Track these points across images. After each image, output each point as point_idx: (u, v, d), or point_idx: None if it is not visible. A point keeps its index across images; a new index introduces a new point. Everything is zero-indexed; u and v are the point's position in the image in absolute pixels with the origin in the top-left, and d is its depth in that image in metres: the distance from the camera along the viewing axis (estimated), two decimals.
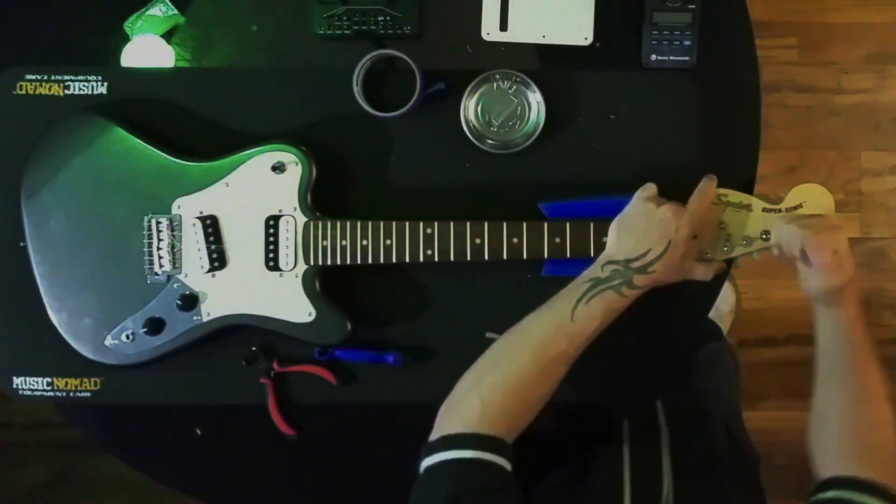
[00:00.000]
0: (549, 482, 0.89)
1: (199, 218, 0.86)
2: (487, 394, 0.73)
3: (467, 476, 0.69)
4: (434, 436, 0.73)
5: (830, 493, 0.71)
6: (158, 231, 0.86)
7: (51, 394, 0.91)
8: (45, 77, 0.90)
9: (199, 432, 0.93)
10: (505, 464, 0.70)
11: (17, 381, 0.91)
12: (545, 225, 0.85)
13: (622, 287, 0.78)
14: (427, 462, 0.71)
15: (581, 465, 0.89)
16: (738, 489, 0.88)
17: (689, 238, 0.80)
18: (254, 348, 0.91)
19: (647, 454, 0.87)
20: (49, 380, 0.91)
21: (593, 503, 0.85)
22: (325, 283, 0.87)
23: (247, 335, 0.89)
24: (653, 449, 0.88)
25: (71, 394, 0.91)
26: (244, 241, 0.86)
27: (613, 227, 0.82)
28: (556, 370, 0.76)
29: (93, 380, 0.91)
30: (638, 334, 0.91)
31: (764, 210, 0.85)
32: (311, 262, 0.85)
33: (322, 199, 0.88)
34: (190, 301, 0.85)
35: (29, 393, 0.91)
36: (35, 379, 0.91)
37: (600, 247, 0.83)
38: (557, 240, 0.85)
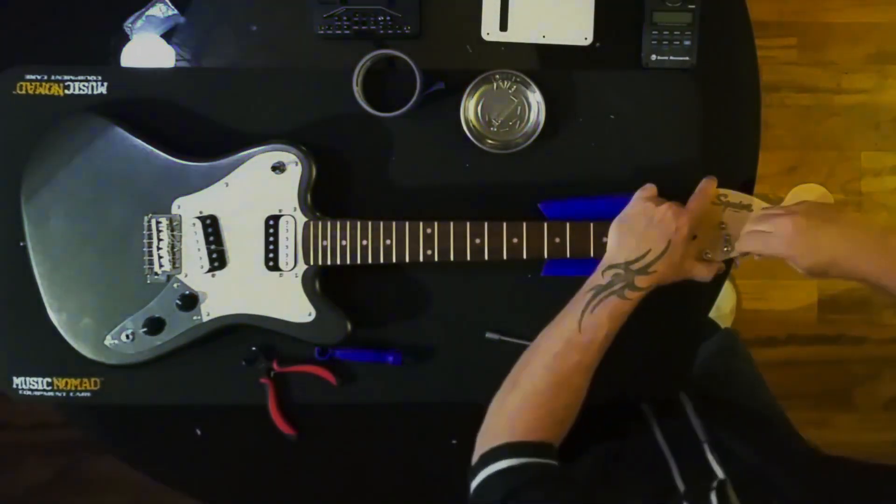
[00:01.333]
0: (586, 465, 0.88)
1: (198, 218, 0.86)
2: (514, 412, 0.75)
3: (514, 476, 0.70)
4: (473, 461, 0.74)
5: None
6: (158, 231, 0.86)
7: (51, 394, 0.91)
8: (45, 77, 0.90)
9: (199, 432, 0.93)
10: (547, 461, 0.71)
11: (17, 381, 0.91)
12: (545, 225, 0.85)
13: (624, 290, 0.78)
14: (473, 484, 0.72)
15: (614, 448, 0.89)
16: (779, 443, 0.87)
17: (689, 238, 0.80)
18: (254, 348, 0.91)
19: (678, 427, 0.85)
20: (49, 380, 0.91)
21: (642, 480, 0.84)
22: (325, 283, 0.87)
23: (247, 335, 0.89)
24: (682, 422, 0.87)
25: (71, 394, 0.91)
26: (244, 241, 0.86)
27: (613, 228, 0.82)
28: (573, 381, 0.76)
29: (93, 380, 0.91)
30: (638, 335, 0.90)
31: (764, 210, 0.85)
32: (311, 262, 0.85)
33: (322, 199, 0.88)
34: (190, 301, 0.85)
35: (29, 393, 0.91)
36: (35, 379, 0.91)
37: (600, 247, 0.83)
38: (557, 240, 0.85)
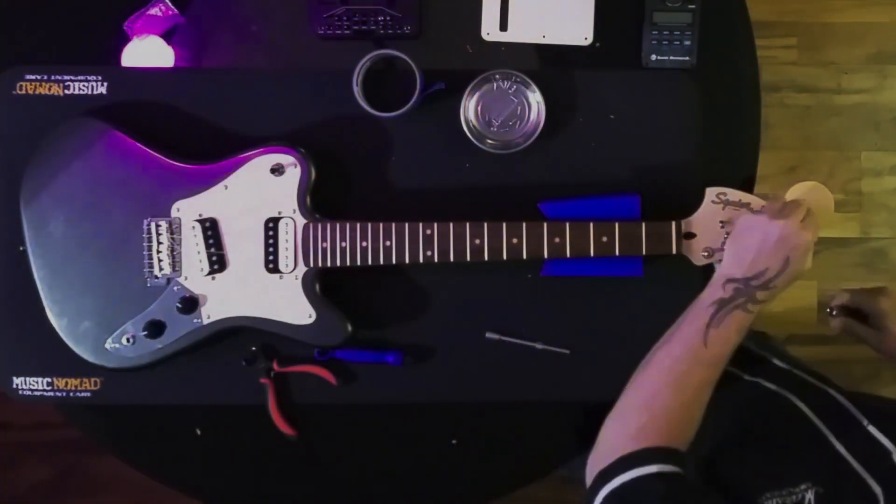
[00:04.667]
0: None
1: (198, 221, 0.85)
2: (643, 436, 0.71)
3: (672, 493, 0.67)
4: (591, 476, 0.71)
5: None
6: (158, 234, 0.86)
7: (51, 394, 0.91)
8: (45, 77, 0.90)
9: (199, 432, 0.93)
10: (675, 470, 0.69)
11: (17, 381, 0.91)
12: (545, 225, 0.85)
13: (748, 304, 0.76)
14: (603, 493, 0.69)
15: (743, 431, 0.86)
16: None
17: (810, 249, 0.78)
18: (254, 348, 0.91)
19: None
20: (49, 380, 0.91)
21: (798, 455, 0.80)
22: (325, 284, 0.87)
23: (247, 335, 0.89)
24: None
25: (71, 394, 0.91)
26: (244, 244, 0.86)
27: (730, 240, 0.80)
28: (701, 398, 0.74)
29: (93, 380, 0.91)
30: (642, 335, 0.90)
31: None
32: (311, 264, 0.85)
33: (322, 201, 0.88)
34: (190, 304, 0.85)
35: (29, 393, 0.91)
36: (35, 379, 0.91)
37: (600, 246, 0.83)
38: (557, 240, 0.84)
